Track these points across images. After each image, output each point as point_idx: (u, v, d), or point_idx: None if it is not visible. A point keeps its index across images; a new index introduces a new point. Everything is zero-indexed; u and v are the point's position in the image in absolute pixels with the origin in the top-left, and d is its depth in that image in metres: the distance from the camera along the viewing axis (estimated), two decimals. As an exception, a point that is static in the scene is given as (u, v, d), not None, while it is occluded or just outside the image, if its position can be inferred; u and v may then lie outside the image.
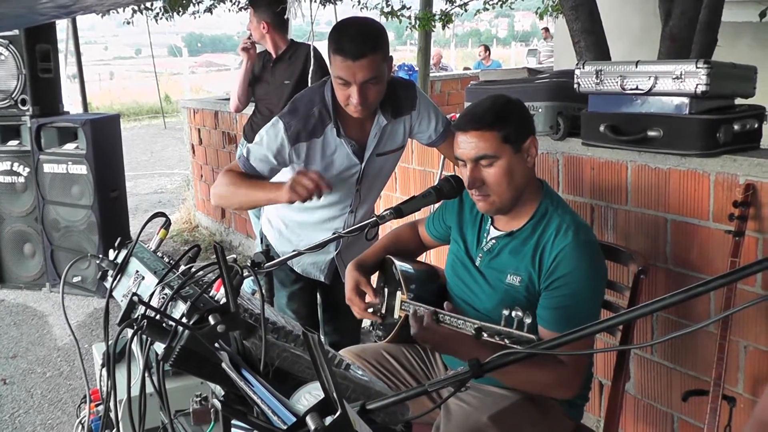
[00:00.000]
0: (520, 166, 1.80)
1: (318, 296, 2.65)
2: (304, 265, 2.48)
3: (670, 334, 1.47)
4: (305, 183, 1.98)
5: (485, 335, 1.49)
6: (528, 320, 1.42)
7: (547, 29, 15.01)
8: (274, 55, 4.03)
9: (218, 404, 0.80)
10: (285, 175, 2.21)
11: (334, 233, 1.88)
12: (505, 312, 1.44)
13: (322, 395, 0.71)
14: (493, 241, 1.90)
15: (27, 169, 4.78)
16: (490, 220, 1.93)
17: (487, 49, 13.75)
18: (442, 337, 1.68)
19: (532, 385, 1.76)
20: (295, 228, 2.42)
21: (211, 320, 0.98)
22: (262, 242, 2.58)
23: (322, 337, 2.70)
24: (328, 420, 0.68)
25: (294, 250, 1.96)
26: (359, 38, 1.99)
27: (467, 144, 1.78)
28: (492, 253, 1.89)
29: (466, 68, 13.22)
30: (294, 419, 0.72)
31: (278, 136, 2.13)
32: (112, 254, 1.65)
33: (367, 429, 0.76)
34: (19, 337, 4.17)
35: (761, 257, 2.00)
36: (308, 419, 0.68)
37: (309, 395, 0.87)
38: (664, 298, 1.11)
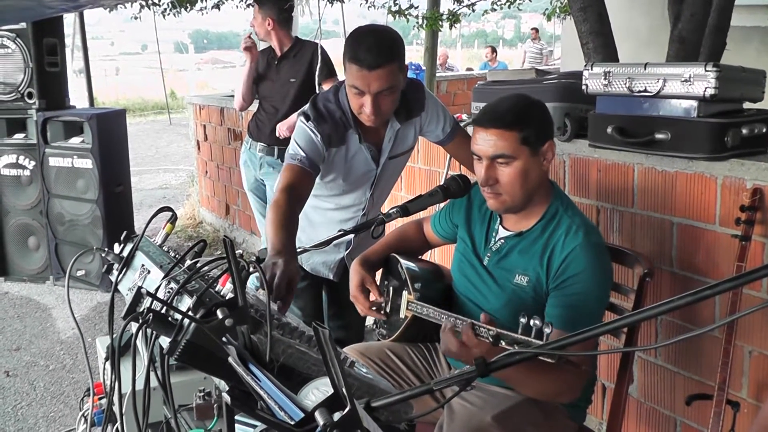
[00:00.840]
0: (535, 168, 1.79)
1: (323, 293, 2.65)
2: (313, 264, 2.48)
3: (676, 337, 1.47)
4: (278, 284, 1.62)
5: (503, 343, 1.45)
6: (548, 330, 1.36)
7: (536, 29, 14.62)
8: (279, 53, 4.02)
9: (228, 398, 0.80)
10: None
11: (339, 231, 1.87)
12: (523, 320, 1.38)
13: (330, 391, 0.71)
14: (502, 241, 1.89)
15: (32, 163, 4.79)
16: (498, 219, 1.93)
17: (494, 50, 13.73)
18: (486, 353, 1.49)
19: (542, 392, 1.73)
20: (306, 227, 2.41)
21: (220, 314, 0.97)
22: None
23: (326, 334, 2.69)
24: (337, 416, 0.68)
25: (300, 248, 1.96)
26: (376, 48, 1.96)
27: (486, 141, 1.77)
28: (500, 253, 1.88)
29: (468, 69, 13.19)
30: (302, 415, 0.72)
31: (316, 141, 2.10)
32: (117, 248, 1.64)
33: (375, 425, 0.76)
34: (22, 329, 4.18)
35: (768, 262, 2.00)
36: (317, 415, 0.68)
37: (317, 391, 0.87)
38: (671, 300, 1.11)
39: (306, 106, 2.19)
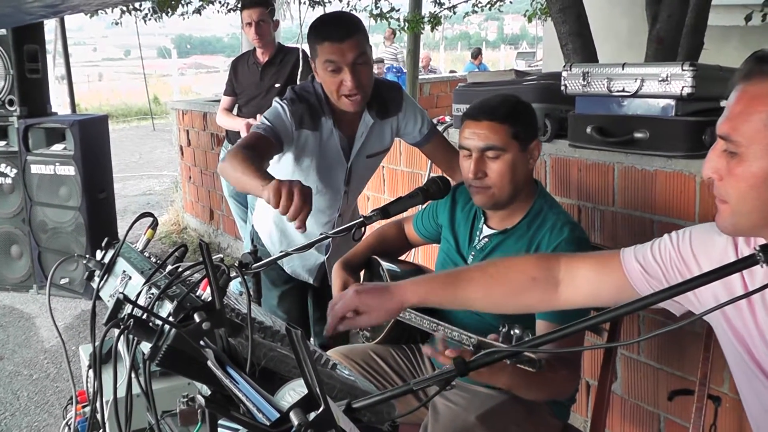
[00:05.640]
0: (522, 164, 1.82)
1: (309, 298, 2.65)
2: (293, 267, 2.48)
3: (657, 331, 1.49)
4: (292, 202, 1.69)
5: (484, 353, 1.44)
6: (527, 338, 1.33)
7: (392, 31, 11.84)
8: (266, 58, 4.02)
9: (201, 400, 0.80)
10: (283, 168, 2.22)
11: (321, 234, 1.88)
12: (503, 329, 1.37)
13: (306, 392, 0.71)
14: (486, 239, 1.90)
15: (14, 170, 4.75)
16: (483, 218, 1.94)
17: (480, 52, 13.80)
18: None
19: (541, 393, 1.71)
20: (283, 237, 2.42)
21: (197, 318, 0.97)
22: (252, 242, 2.58)
23: (312, 338, 2.70)
24: (312, 416, 0.69)
25: (281, 251, 1.96)
26: (341, 22, 2.08)
27: (477, 134, 1.79)
28: (484, 252, 1.90)
29: (452, 71, 13.21)
30: (278, 415, 0.72)
31: (285, 118, 2.12)
32: (99, 254, 1.64)
33: (351, 425, 0.77)
34: (5, 339, 4.14)
35: (746, 258, 2.01)
36: (292, 415, 0.69)
37: (293, 392, 0.88)
38: (650, 296, 1.13)
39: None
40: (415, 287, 1.50)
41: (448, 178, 2.11)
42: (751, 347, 1.24)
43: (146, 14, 8.88)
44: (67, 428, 1.86)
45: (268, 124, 2.10)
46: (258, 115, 3.77)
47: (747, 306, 1.21)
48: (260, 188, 1.76)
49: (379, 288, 1.51)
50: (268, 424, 0.72)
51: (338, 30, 2.03)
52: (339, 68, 2.04)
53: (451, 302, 1.55)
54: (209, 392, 1.06)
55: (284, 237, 2.42)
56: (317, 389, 0.69)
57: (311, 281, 2.50)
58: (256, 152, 1.98)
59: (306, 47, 4.02)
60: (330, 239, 2.32)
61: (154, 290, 1.31)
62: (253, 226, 2.60)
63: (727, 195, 1.14)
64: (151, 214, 1.65)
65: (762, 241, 1.18)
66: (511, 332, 1.36)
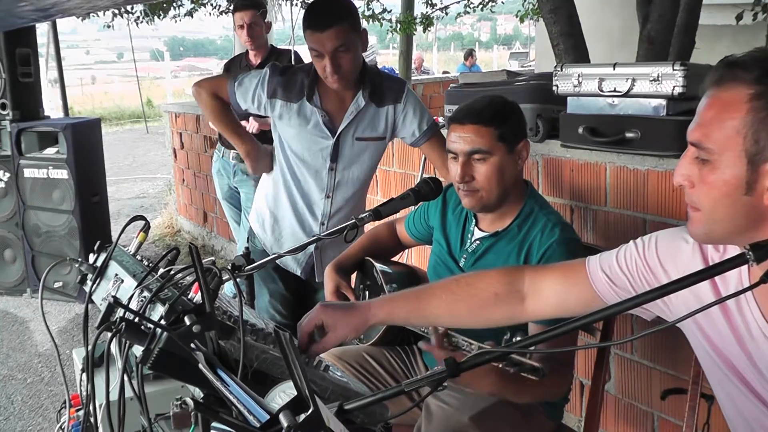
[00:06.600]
0: (510, 166, 1.82)
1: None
2: (284, 258, 2.49)
3: (649, 330, 1.50)
4: None
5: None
6: (531, 347, 1.31)
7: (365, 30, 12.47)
8: (259, 60, 4.01)
9: (191, 403, 0.80)
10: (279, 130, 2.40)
11: (313, 236, 1.88)
12: (506, 336, 1.34)
13: (295, 393, 0.72)
14: (478, 242, 1.90)
15: (7, 174, 4.73)
16: (474, 221, 1.94)
17: (471, 54, 13.79)
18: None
19: (533, 395, 1.70)
20: (273, 222, 2.48)
21: (187, 321, 0.98)
22: (248, 240, 2.59)
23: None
24: (301, 417, 0.69)
25: (274, 253, 1.96)
26: (325, 11, 2.16)
27: (462, 138, 1.80)
28: (476, 254, 1.90)
29: (445, 72, 13.22)
30: (268, 417, 0.72)
31: (260, 83, 2.32)
32: (91, 258, 1.64)
33: (342, 426, 0.77)
34: (-1, 343, 4.13)
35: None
36: (281, 417, 0.69)
37: (283, 394, 0.88)
38: (641, 295, 1.13)
39: None
40: (380, 304, 1.48)
41: (441, 178, 2.11)
42: (725, 352, 1.22)
43: (138, 17, 8.87)
44: (60, 432, 1.86)
45: (237, 82, 2.36)
46: (251, 119, 3.78)
47: (720, 311, 1.20)
48: (243, 153, 2.49)
49: (345, 304, 1.51)
50: (257, 426, 0.72)
51: (321, 20, 2.12)
52: (321, 54, 2.15)
53: (416, 318, 1.54)
54: (202, 395, 1.06)
55: (276, 224, 2.48)
56: (306, 391, 0.70)
57: (299, 273, 2.51)
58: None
59: (298, 49, 4.04)
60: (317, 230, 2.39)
61: (146, 293, 1.31)
62: (250, 226, 2.61)
63: (699, 203, 1.13)
64: (143, 218, 1.65)
65: (733, 248, 1.18)
66: (514, 339, 1.35)
